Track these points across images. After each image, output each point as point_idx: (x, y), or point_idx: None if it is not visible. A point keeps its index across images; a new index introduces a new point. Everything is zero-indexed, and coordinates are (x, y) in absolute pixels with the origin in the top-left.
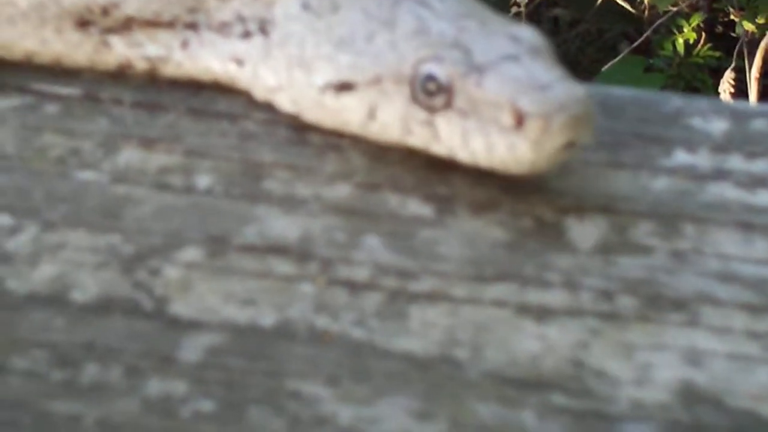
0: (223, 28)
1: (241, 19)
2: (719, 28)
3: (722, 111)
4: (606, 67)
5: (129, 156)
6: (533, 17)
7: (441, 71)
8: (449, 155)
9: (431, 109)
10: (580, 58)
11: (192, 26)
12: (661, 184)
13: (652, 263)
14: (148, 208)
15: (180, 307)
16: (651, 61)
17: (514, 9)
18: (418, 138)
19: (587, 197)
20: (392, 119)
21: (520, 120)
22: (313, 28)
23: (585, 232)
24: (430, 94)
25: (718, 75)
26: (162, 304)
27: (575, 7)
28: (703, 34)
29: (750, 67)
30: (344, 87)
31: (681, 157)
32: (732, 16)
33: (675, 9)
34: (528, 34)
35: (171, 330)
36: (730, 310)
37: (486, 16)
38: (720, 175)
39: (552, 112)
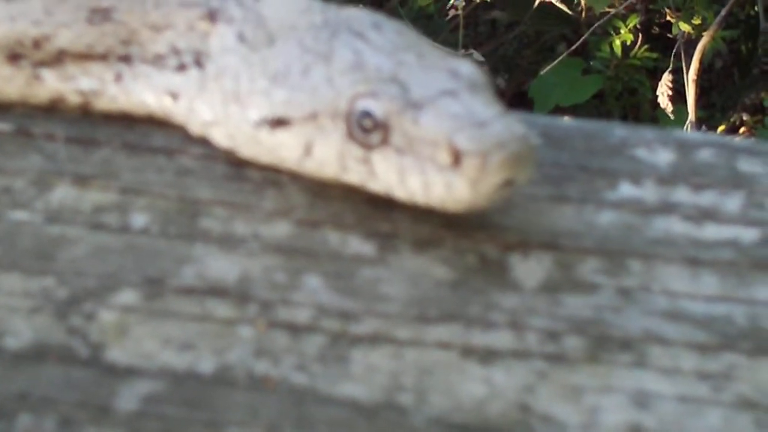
0: (157, 61)
1: (176, 51)
2: (656, 30)
3: (667, 141)
4: (545, 70)
5: (63, 194)
6: (470, 20)
7: (377, 107)
8: (386, 192)
9: (367, 146)
10: (518, 60)
11: (125, 59)
12: (606, 218)
13: (599, 302)
14: (82, 249)
15: (116, 353)
16: (591, 63)
17: (451, 12)
18: (355, 175)
19: (532, 233)
20: (328, 156)
21: (457, 158)
22: (249, 62)
23: (530, 269)
24: (366, 130)
25: (655, 76)
26: (97, 351)
27: (512, 10)
28: (640, 36)
29: (687, 69)
30: (279, 123)
31: (626, 189)
32: (668, 17)
33: (612, 11)
34: (467, 68)
35: (107, 377)
36: (679, 350)
37: (424, 48)
38: (666, 208)
39: (489, 149)
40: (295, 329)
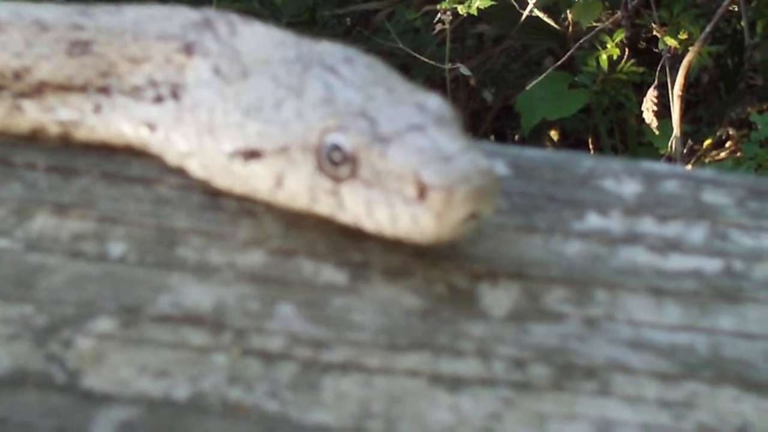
0: (135, 93)
1: (153, 83)
2: (642, 44)
3: (634, 172)
4: (531, 85)
5: (43, 223)
6: (458, 33)
7: (346, 141)
8: (355, 224)
9: (336, 179)
10: (504, 74)
11: (104, 90)
12: (573, 248)
13: (565, 330)
14: (61, 277)
15: (93, 380)
16: (576, 78)
17: (438, 26)
18: (325, 207)
19: (500, 263)
20: (299, 188)
21: (422, 192)
22: (223, 95)
23: (498, 299)
24: (336, 163)
25: (642, 90)
26: (75, 377)
27: (500, 24)
28: (627, 50)
29: (673, 84)
30: (252, 155)
31: (593, 220)
32: (655, 32)
33: (599, 25)
34: (434, 102)
35: (84, 404)
36: (642, 379)
37: (394, 83)
38: (632, 238)
39: (454, 184)
40: (268, 357)
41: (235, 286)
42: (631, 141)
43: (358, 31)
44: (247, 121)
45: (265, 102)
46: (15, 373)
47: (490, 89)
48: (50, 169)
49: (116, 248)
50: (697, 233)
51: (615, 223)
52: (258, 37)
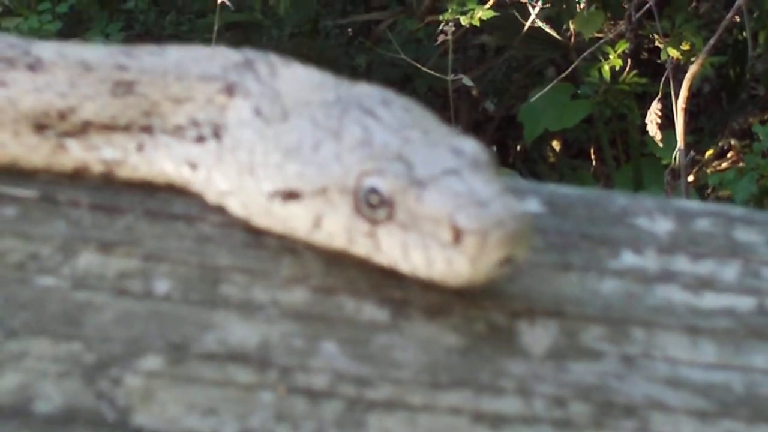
0: (177, 132)
1: (195, 123)
2: (645, 55)
3: (667, 210)
4: (535, 97)
5: (88, 260)
6: (460, 44)
7: (383, 185)
8: (391, 266)
9: (374, 221)
10: (506, 84)
11: (147, 129)
12: (609, 286)
13: (603, 369)
14: (108, 315)
15: (143, 418)
16: (579, 90)
17: (441, 37)
18: (361, 248)
19: (538, 300)
20: (336, 229)
21: (457, 236)
22: (264, 135)
23: (536, 336)
24: (373, 206)
25: (644, 101)
26: (125, 415)
27: (501, 34)
28: (629, 61)
29: (676, 95)
30: (291, 195)
31: (628, 258)
32: (657, 43)
33: (601, 35)
34: (470, 146)
35: None
36: (680, 417)
37: (430, 125)
38: (667, 276)
39: (489, 228)
40: (313, 395)
41: (278, 324)
42: (633, 151)
43: (360, 41)
44: (286, 162)
45: (304, 143)
46: (66, 410)
47: (492, 100)
48: (94, 207)
49: (161, 286)
50: (730, 271)
51: (650, 261)
52: (298, 79)
